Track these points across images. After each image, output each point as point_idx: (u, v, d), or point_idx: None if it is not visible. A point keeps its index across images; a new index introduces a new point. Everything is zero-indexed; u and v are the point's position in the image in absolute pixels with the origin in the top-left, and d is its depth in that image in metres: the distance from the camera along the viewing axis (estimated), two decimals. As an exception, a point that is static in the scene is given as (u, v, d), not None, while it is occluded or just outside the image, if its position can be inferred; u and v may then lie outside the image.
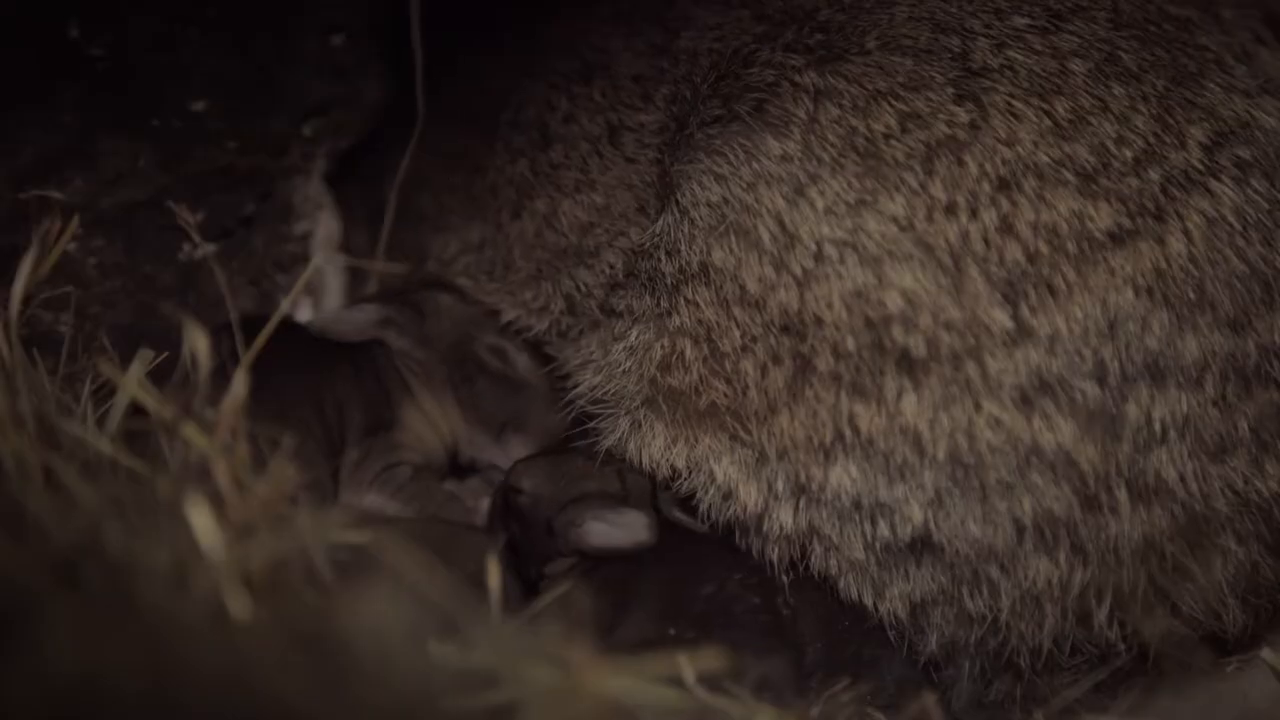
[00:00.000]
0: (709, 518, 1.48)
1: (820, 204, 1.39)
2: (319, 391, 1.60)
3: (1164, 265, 1.37)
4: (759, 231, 1.41)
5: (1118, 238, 1.37)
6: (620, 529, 1.48)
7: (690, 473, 1.47)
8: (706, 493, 1.47)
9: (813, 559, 1.45)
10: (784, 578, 1.47)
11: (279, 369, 1.52)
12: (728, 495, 1.45)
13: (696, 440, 1.46)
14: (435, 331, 1.69)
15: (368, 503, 1.58)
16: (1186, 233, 1.38)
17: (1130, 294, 1.36)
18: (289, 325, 1.69)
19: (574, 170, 1.63)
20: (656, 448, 1.48)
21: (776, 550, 1.46)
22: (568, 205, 1.62)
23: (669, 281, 1.47)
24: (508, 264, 1.67)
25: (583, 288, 1.60)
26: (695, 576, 1.48)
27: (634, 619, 1.42)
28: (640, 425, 1.49)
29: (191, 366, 1.21)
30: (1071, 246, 1.36)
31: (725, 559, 1.49)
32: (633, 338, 1.51)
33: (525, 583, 1.54)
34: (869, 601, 1.45)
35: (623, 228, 1.58)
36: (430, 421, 1.66)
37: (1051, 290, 1.36)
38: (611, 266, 1.57)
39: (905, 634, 1.46)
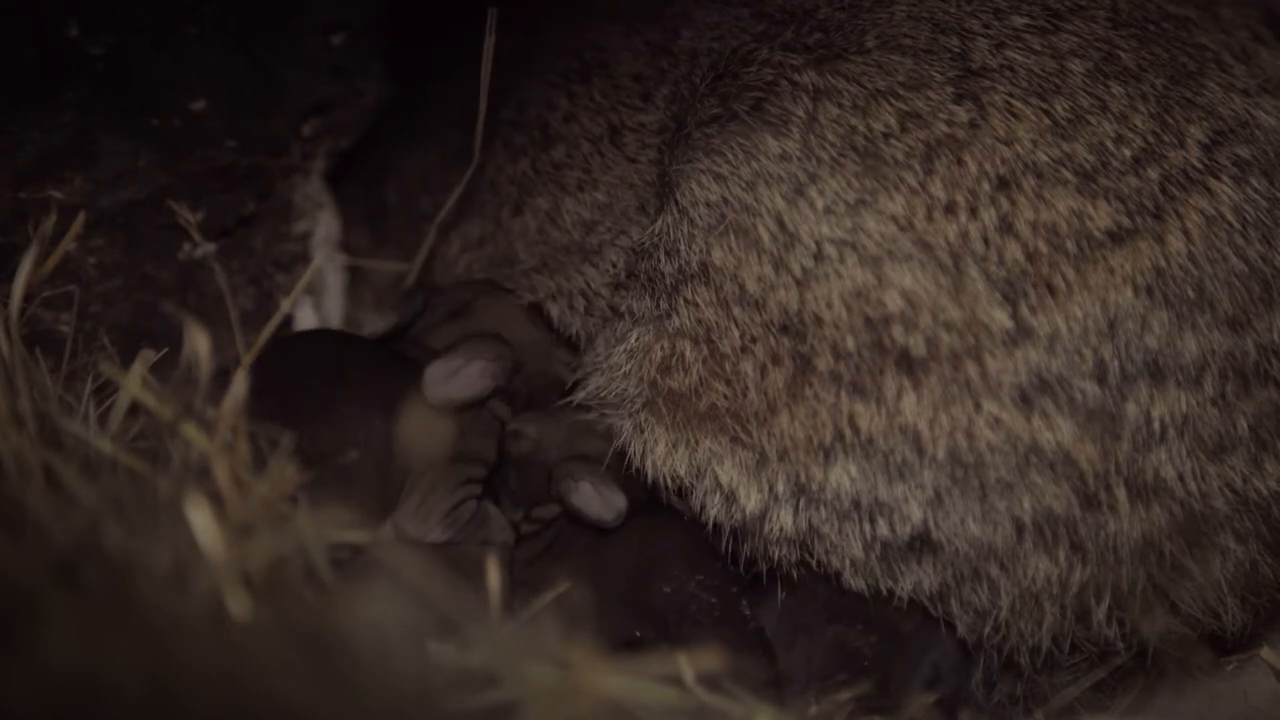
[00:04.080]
0: (713, 523, 1.48)
1: (820, 203, 1.39)
2: (386, 433, 1.57)
3: (1163, 264, 1.37)
4: (758, 231, 1.41)
5: (1117, 237, 1.37)
6: (600, 503, 1.51)
7: (694, 481, 1.47)
8: (712, 499, 1.46)
9: (814, 560, 1.46)
10: (777, 578, 1.48)
11: (347, 409, 1.54)
12: (731, 499, 1.45)
13: (697, 443, 1.46)
14: (524, 376, 1.68)
15: (431, 539, 1.55)
16: (1186, 231, 1.38)
17: (1130, 293, 1.37)
18: (357, 344, 1.66)
19: (576, 169, 1.63)
20: (659, 453, 1.48)
21: (778, 552, 1.46)
22: (570, 204, 1.63)
23: (668, 282, 1.47)
24: (509, 259, 1.67)
25: (591, 285, 1.60)
26: (660, 573, 1.49)
27: (603, 611, 1.44)
28: (641, 429, 1.49)
29: (193, 366, 1.21)
30: (1071, 245, 1.36)
31: (693, 558, 1.50)
32: (632, 340, 1.50)
33: (512, 527, 1.57)
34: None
35: (624, 226, 1.58)
36: (438, 417, 1.63)
37: (1051, 289, 1.36)
38: (614, 265, 1.58)
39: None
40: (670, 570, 1.49)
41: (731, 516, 1.46)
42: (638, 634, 1.45)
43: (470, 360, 1.58)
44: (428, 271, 1.77)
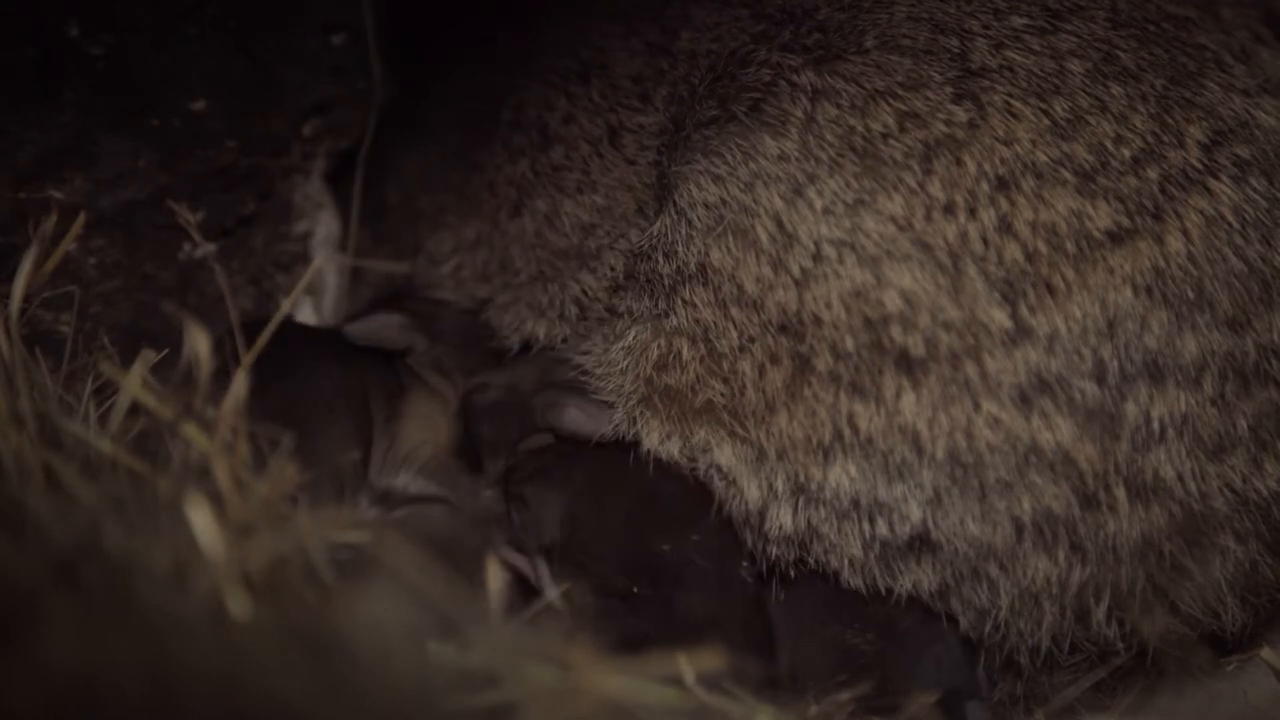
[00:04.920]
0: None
1: (818, 204, 1.39)
2: (349, 382, 1.63)
3: (1163, 264, 1.37)
4: (757, 231, 1.41)
5: (1116, 237, 1.37)
6: (589, 420, 1.53)
7: (689, 463, 1.47)
8: (714, 478, 1.47)
9: (812, 558, 1.46)
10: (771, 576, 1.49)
11: (310, 362, 1.59)
12: (730, 482, 1.46)
13: (691, 433, 1.46)
14: (443, 325, 1.72)
15: (399, 482, 1.61)
16: (1185, 232, 1.38)
17: (1129, 293, 1.37)
18: (309, 327, 1.75)
19: (575, 171, 1.63)
20: (651, 442, 1.48)
21: (776, 550, 1.46)
22: (569, 206, 1.63)
23: (666, 283, 1.47)
24: (504, 264, 1.67)
25: (589, 291, 1.60)
26: (656, 528, 1.49)
27: (595, 558, 1.45)
28: (635, 422, 1.49)
29: (193, 366, 1.21)
30: (1070, 246, 1.37)
31: (689, 514, 1.50)
32: (630, 338, 1.51)
33: (495, 480, 1.59)
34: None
35: (623, 230, 1.58)
36: (436, 410, 1.69)
37: (1050, 289, 1.36)
38: (613, 269, 1.58)
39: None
40: (668, 525, 1.49)
41: (732, 500, 1.46)
42: (635, 589, 1.45)
43: (385, 317, 1.67)
44: (413, 267, 1.78)
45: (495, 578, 1.22)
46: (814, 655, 1.49)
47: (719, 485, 1.47)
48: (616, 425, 1.52)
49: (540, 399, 1.57)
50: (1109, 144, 1.39)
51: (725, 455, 1.45)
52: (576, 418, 1.53)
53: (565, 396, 1.54)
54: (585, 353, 1.59)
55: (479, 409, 1.62)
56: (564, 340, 1.63)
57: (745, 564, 1.49)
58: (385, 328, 1.68)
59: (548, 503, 1.51)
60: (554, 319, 1.63)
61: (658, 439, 1.49)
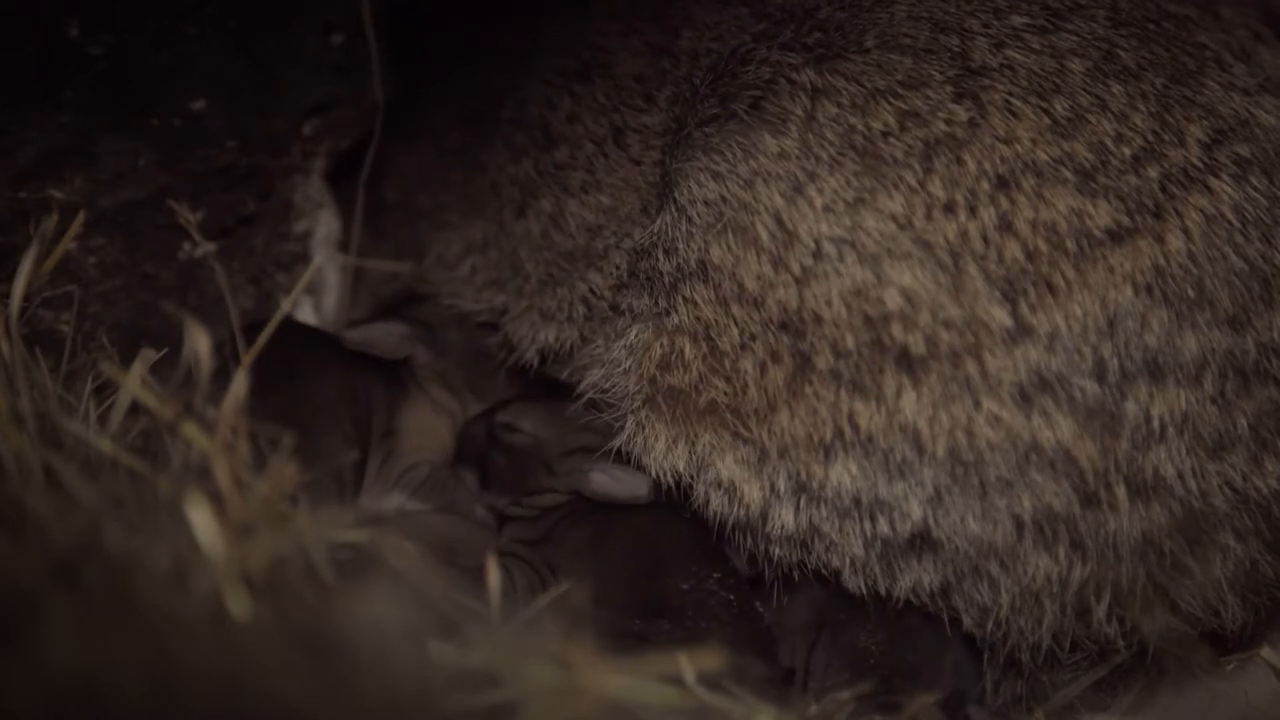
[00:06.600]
0: (715, 518, 1.48)
1: (819, 202, 1.39)
2: (350, 384, 1.63)
3: (1163, 263, 1.37)
4: (757, 229, 1.41)
5: (1117, 235, 1.37)
6: (621, 485, 1.54)
7: (694, 476, 1.47)
8: (714, 493, 1.46)
9: (814, 558, 1.46)
10: (774, 577, 1.49)
11: (311, 363, 1.60)
12: (732, 494, 1.45)
13: (696, 438, 1.46)
14: (449, 341, 1.73)
15: (391, 501, 1.61)
16: (1185, 230, 1.38)
17: (1129, 291, 1.36)
18: (310, 327, 1.76)
19: (580, 171, 1.63)
20: (659, 450, 1.48)
21: (778, 551, 1.46)
22: (574, 206, 1.62)
23: (667, 280, 1.47)
24: (515, 266, 1.67)
25: (595, 290, 1.60)
26: (674, 570, 1.50)
27: (615, 607, 1.45)
28: (643, 426, 1.49)
29: (193, 366, 1.21)
30: (1070, 244, 1.36)
31: (703, 553, 1.51)
32: (632, 336, 1.51)
33: (493, 511, 1.62)
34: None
35: (629, 230, 1.58)
36: (438, 420, 1.69)
37: (1051, 288, 1.36)
38: (618, 268, 1.58)
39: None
40: (686, 566, 1.50)
41: (734, 511, 1.46)
42: (637, 624, 1.45)
43: (386, 325, 1.69)
44: (424, 270, 1.77)
45: (494, 577, 1.22)
46: (820, 656, 1.49)
47: (719, 498, 1.47)
48: (652, 490, 1.52)
49: (562, 465, 1.59)
50: (1109, 142, 1.39)
51: (727, 464, 1.45)
52: (605, 483, 1.55)
53: (588, 464, 1.56)
54: (591, 359, 1.58)
55: (504, 445, 1.63)
56: (572, 346, 1.63)
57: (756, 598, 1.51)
58: (385, 336, 1.67)
59: (559, 565, 1.52)
60: (562, 321, 1.63)
61: (664, 446, 1.48)
